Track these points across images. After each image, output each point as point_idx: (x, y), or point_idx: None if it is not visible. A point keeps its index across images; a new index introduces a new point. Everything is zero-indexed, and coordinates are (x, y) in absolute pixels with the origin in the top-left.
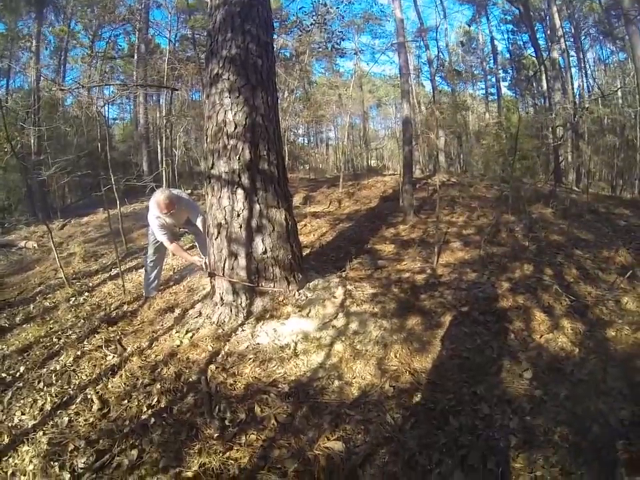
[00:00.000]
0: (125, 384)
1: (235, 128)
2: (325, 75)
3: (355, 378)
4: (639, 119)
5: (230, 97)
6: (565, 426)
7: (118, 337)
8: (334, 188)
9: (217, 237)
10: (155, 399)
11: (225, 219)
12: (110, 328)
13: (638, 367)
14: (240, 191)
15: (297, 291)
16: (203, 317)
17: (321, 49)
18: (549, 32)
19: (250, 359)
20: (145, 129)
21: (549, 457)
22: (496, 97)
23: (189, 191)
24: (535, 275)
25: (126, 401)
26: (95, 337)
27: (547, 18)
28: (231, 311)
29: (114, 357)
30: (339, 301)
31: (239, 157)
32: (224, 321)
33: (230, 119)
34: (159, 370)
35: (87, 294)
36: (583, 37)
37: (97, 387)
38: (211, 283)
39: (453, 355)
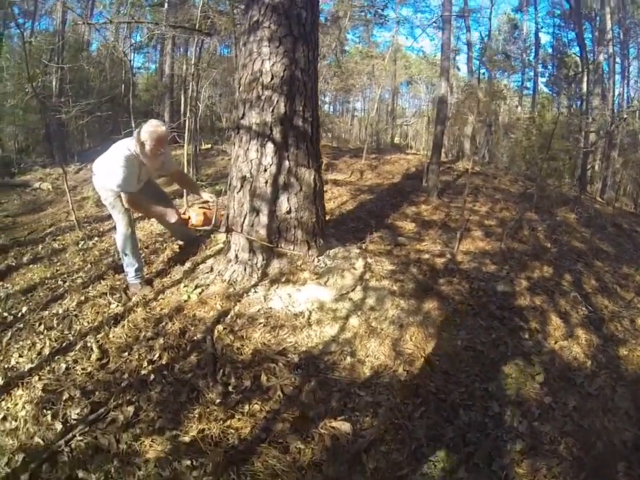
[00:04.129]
0: (126, 335)
1: (272, 79)
2: (359, 44)
3: (367, 357)
4: None
5: (269, 47)
6: (570, 437)
7: (124, 286)
8: (356, 159)
9: (239, 191)
10: (157, 355)
11: (251, 173)
12: (116, 275)
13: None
14: (270, 145)
15: (317, 257)
16: (214, 274)
17: (362, 13)
18: (596, 33)
19: (260, 323)
20: (169, 79)
21: (553, 467)
22: (531, 92)
23: (209, 146)
24: (554, 278)
25: (126, 354)
26: (100, 283)
27: (597, 19)
28: (245, 270)
29: (118, 305)
30: (358, 273)
31: (272, 110)
32: (236, 280)
33: (267, 69)
34: (163, 324)
35: (96, 239)
36: (630, 45)
37: (98, 336)
38: (227, 238)
39: (468, 346)
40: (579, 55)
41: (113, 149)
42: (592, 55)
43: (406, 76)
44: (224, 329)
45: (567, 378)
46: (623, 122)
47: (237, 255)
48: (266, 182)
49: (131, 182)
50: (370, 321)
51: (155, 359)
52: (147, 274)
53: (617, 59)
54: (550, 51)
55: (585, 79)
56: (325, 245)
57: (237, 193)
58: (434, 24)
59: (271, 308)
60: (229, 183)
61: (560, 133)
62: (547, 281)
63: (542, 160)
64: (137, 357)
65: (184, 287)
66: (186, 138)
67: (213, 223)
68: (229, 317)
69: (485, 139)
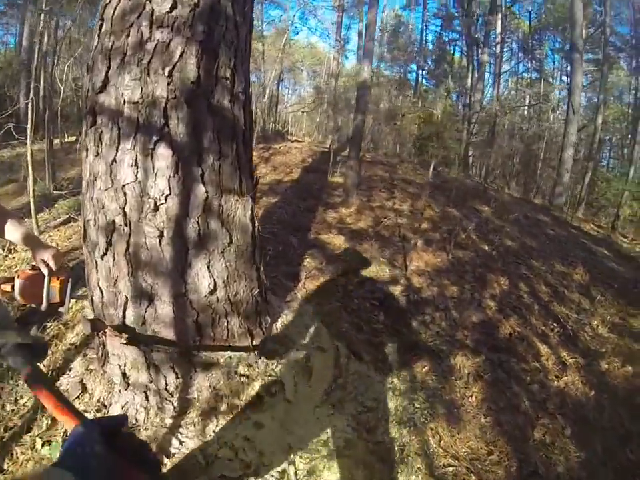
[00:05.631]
0: None
1: (173, 8)
2: None
3: None
4: (551, 133)
5: None
6: None
7: None
8: None
9: (104, 254)
10: None
11: (125, 215)
12: None
13: (637, 404)
14: (164, 151)
15: (265, 346)
16: (93, 404)
17: None
18: (477, 35)
19: None
20: (27, 54)
21: None
22: (413, 83)
23: (74, 138)
24: (512, 290)
25: None
26: None
27: (478, 23)
28: (147, 400)
29: None
30: (330, 357)
31: (170, 71)
32: (137, 421)
33: None
34: None
35: None
36: (505, 49)
37: None
38: (97, 339)
39: (493, 421)
40: (461, 53)
41: None
42: (477, 54)
43: (289, 62)
44: None
45: (582, 417)
46: (505, 116)
47: (125, 375)
48: (160, 234)
49: None
50: (376, 435)
51: None
52: None
53: (491, 60)
54: (431, 47)
55: (470, 75)
56: (272, 320)
57: (102, 258)
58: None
59: (224, 477)
60: (82, 234)
61: (448, 123)
62: (509, 296)
63: (434, 148)
64: None
65: (43, 444)
66: (29, 129)
67: (45, 299)
68: None
69: (368, 127)
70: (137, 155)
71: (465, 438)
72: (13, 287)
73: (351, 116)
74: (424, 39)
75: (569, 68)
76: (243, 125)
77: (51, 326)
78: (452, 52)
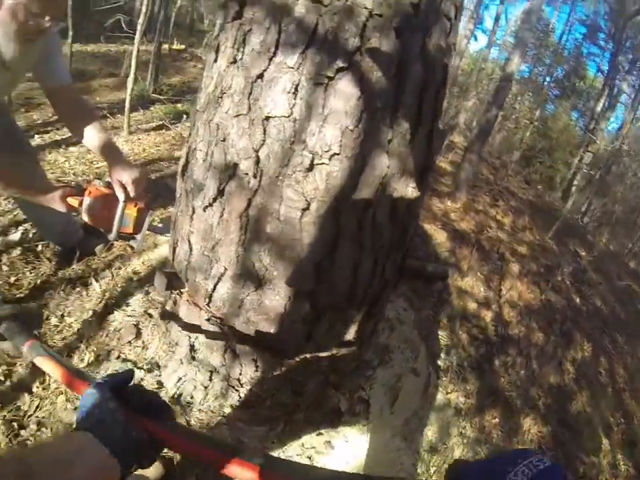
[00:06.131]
0: None
1: None
2: None
3: None
4: None
5: None
6: None
7: None
8: None
9: (210, 205)
10: None
11: (258, 161)
12: None
13: None
14: (347, 87)
15: (364, 356)
16: (144, 355)
17: None
18: (619, 58)
19: None
20: None
21: None
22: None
23: (183, 47)
24: (592, 361)
25: None
26: None
27: (626, 44)
28: (211, 380)
29: None
30: (422, 383)
31: None
32: (192, 397)
33: None
34: None
35: None
36: None
37: None
38: (169, 297)
39: None
40: (597, 71)
41: None
42: (617, 80)
43: None
44: None
45: None
46: (628, 157)
47: (193, 348)
48: (306, 207)
49: None
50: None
51: None
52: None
53: (628, 91)
54: (566, 55)
55: (602, 99)
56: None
57: (204, 209)
58: None
59: None
60: (182, 165)
61: (564, 143)
62: (588, 367)
63: (542, 164)
64: None
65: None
66: (139, 23)
67: (115, 228)
68: None
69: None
70: (301, 79)
71: None
72: (80, 203)
73: (464, 103)
74: (561, 44)
75: None
76: (444, 88)
77: (117, 244)
78: (587, 67)
